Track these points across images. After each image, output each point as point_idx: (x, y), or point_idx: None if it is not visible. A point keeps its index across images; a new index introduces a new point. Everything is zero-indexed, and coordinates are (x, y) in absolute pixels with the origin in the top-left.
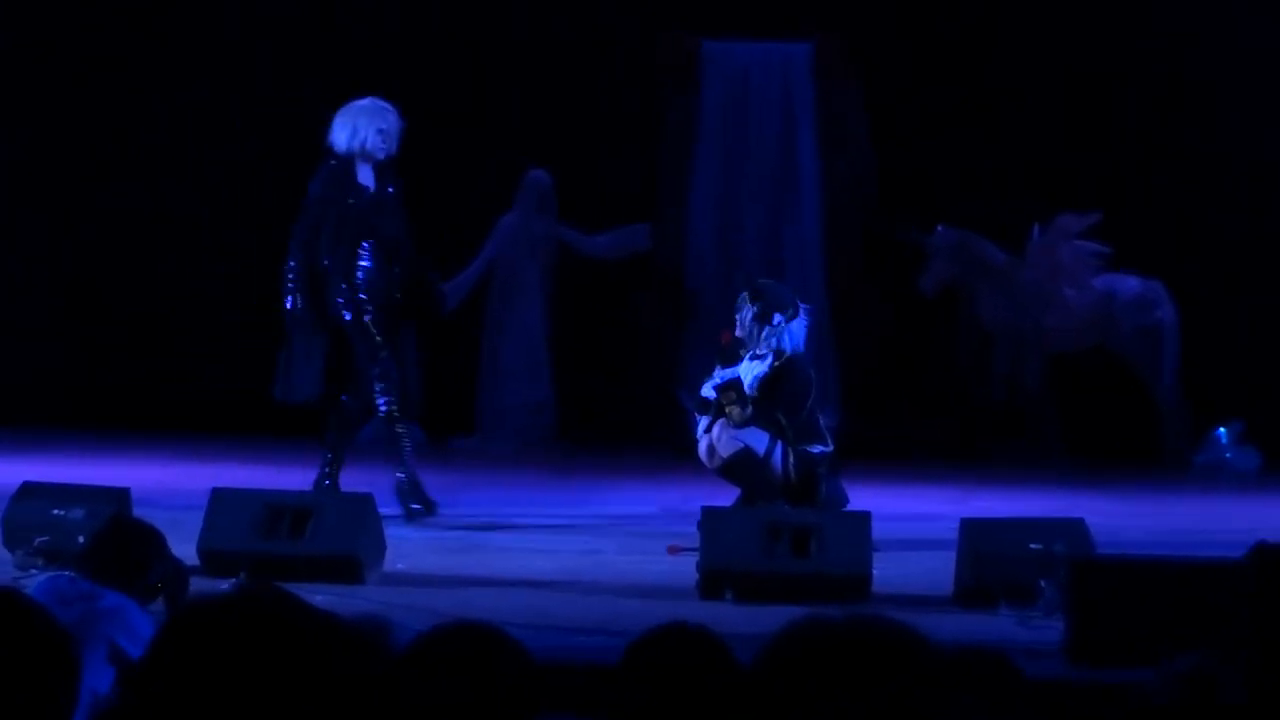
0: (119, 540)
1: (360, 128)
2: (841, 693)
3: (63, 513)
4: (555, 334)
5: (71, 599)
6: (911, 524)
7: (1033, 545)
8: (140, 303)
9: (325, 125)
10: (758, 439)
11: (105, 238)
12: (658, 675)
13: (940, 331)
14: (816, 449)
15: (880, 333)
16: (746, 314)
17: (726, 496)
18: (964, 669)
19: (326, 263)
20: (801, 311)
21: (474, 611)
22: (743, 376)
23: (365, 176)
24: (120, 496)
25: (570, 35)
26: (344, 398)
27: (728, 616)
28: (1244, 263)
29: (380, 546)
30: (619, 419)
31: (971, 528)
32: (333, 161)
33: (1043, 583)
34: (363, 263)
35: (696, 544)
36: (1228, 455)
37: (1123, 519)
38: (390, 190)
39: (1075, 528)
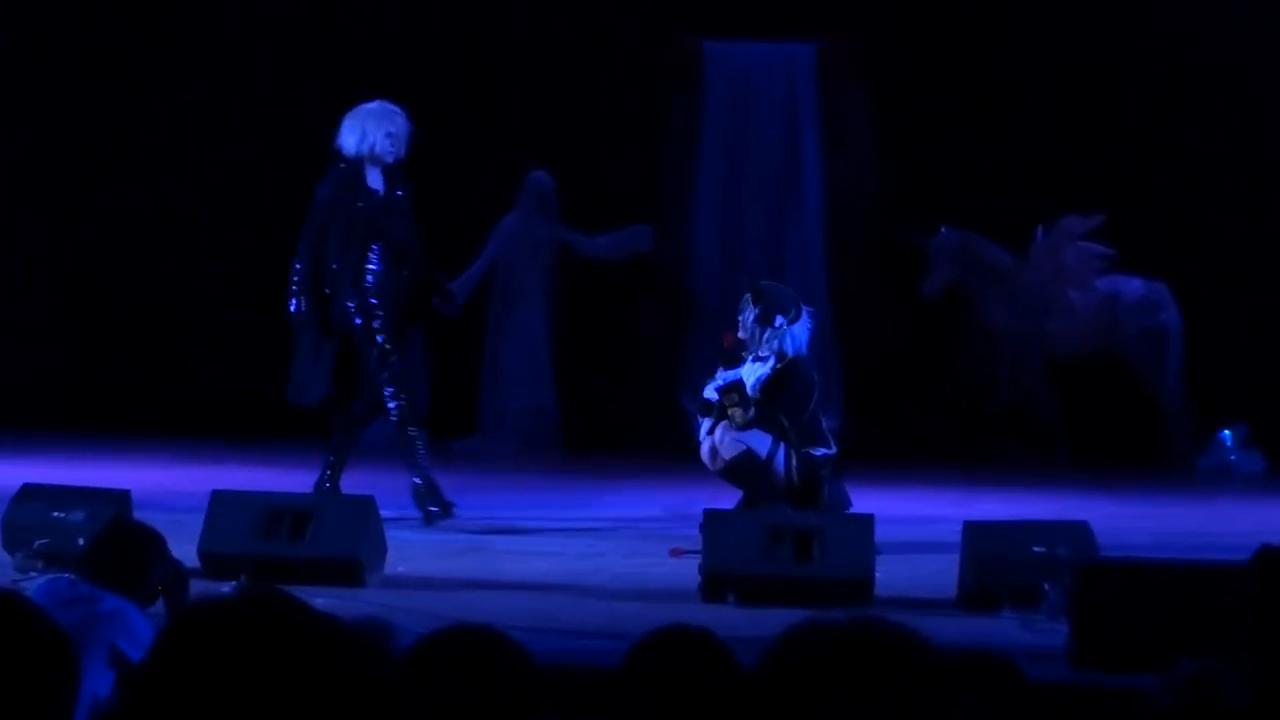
0: (119, 543)
1: (369, 131)
2: (844, 696)
3: (63, 515)
4: (557, 336)
5: (71, 601)
6: (914, 527)
7: (1036, 548)
8: (140, 303)
9: (325, 125)
10: (760, 441)
11: (105, 238)
12: (659, 678)
13: (943, 334)
14: (819, 451)
15: (883, 335)
16: (749, 316)
17: (729, 499)
18: (967, 672)
19: (335, 266)
20: (804, 313)
21: (475, 614)
22: (745, 378)
23: (374, 180)
24: (120, 498)
25: (572, 35)
26: (352, 402)
27: (730, 619)
28: (1246, 263)
29: (381, 549)
30: (621, 421)
31: (975, 530)
32: (341, 165)
33: (1046, 586)
34: (371, 266)
35: (699, 547)
36: (1232, 458)
37: (1127, 522)
38: (399, 193)
39: (1079, 531)
